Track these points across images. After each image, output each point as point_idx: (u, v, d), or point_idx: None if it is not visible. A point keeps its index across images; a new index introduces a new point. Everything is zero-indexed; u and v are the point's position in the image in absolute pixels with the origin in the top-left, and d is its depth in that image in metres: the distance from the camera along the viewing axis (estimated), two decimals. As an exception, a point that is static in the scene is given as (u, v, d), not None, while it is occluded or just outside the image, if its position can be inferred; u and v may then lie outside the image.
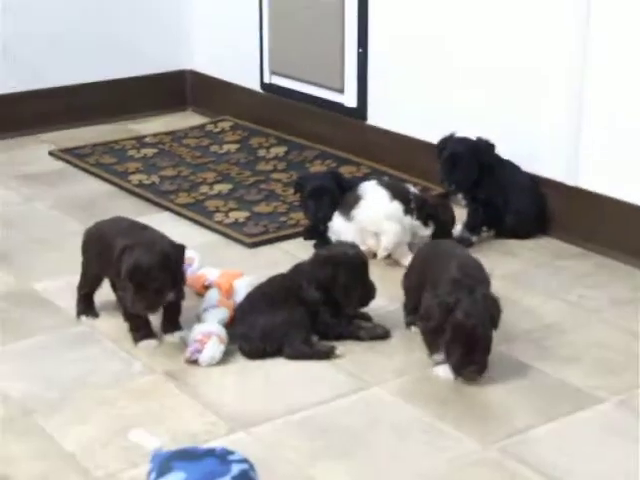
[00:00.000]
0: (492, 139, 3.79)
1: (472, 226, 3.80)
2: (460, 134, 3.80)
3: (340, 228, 3.62)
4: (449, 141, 3.80)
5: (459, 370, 2.84)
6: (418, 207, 3.61)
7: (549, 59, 3.79)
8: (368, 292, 3.12)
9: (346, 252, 3.13)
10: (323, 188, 3.74)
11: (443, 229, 3.64)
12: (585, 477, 2.47)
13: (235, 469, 2.14)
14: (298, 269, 3.14)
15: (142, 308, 2.98)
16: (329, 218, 3.67)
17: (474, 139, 3.78)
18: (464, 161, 3.75)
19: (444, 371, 2.89)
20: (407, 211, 3.60)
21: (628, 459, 2.54)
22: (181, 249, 3.06)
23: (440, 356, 2.91)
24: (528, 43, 3.86)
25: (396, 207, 3.59)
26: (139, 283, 2.93)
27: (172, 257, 3.00)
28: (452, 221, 3.69)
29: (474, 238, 3.79)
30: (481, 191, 3.80)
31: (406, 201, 3.61)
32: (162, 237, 3.08)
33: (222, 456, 2.18)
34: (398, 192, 3.62)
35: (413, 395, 2.83)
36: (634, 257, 3.59)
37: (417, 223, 3.62)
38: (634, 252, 3.60)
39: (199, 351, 2.96)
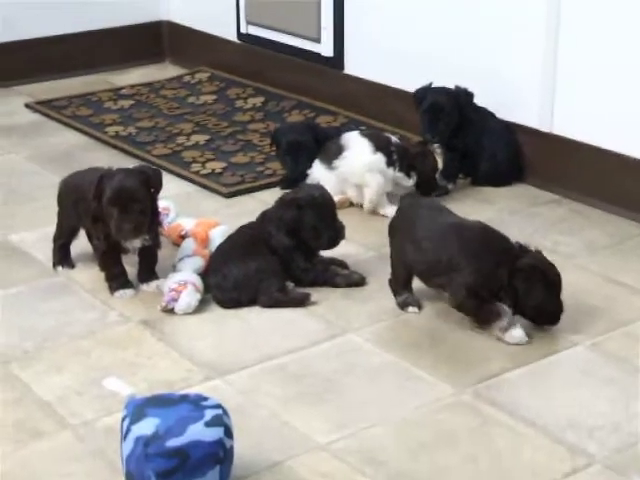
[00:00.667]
0: (468, 87, 3.77)
1: (448, 174, 3.79)
2: (437, 83, 3.78)
3: (321, 177, 3.59)
4: (428, 91, 3.77)
5: (555, 322, 2.84)
6: (399, 158, 3.59)
7: (525, 6, 3.76)
8: (337, 232, 3.10)
9: (311, 193, 3.11)
10: (300, 143, 3.74)
11: (425, 179, 3.62)
12: (557, 419, 2.48)
13: (209, 414, 2.14)
14: (266, 216, 3.13)
15: (129, 231, 2.93)
16: (306, 171, 3.66)
17: (453, 88, 3.76)
18: (445, 111, 3.73)
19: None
20: (390, 163, 3.58)
21: (600, 401, 2.56)
22: (159, 173, 3.05)
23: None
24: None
25: (379, 159, 3.57)
26: (124, 206, 2.90)
27: (152, 179, 2.99)
28: (434, 170, 3.67)
29: (450, 186, 3.79)
30: (458, 140, 3.78)
31: (388, 152, 3.58)
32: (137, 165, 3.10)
33: (196, 402, 2.18)
34: (381, 143, 3.60)
35: (388, 341, 2.84)
36: (608, 203, 3.60)
37: (400, 174, 3.60)
38: (608, 198, 3.60)
39: (175, 300, 2.95)
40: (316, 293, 3.04)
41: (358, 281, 3.12)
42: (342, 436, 2.43)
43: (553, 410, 2.52)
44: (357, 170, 3.57)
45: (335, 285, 3.10)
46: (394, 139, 3.66)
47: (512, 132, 3.85)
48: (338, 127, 4.22)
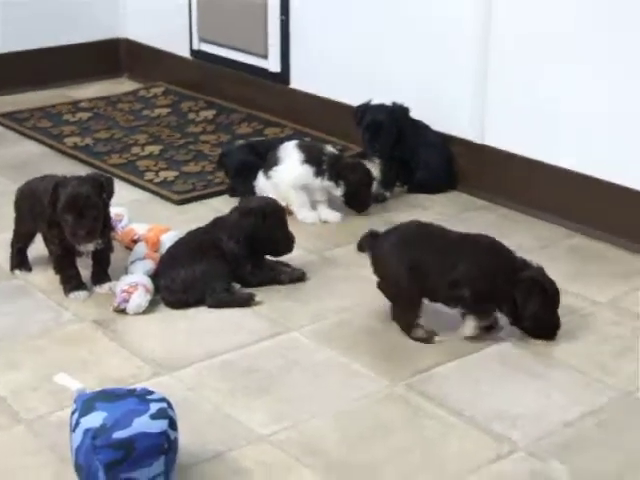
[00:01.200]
0: (406, 101, 3.79)
1: (386, 183, 3.81)
2: (376, 100, 3.80)
3: (263, 186, 3.61)
4: (367, 108, 3.79)
5: (551, 337, 2.82)
6: (329, 167, 3.59)
7: (456, 24, 3.80)
8: (290, 240, 3.13)
9: (267, 203, 3.15)
10: (246, 162, 3.73)
11: (352, 190, 3.60)
12: (484, 410, 2.50)
13: (153, 407, 2.14)
14: (217, 222, 3.13)
15: (83, 235, 2.92)
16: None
17: (390, 105, 3.78)
18: (384, 128, 3.75)
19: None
20: (318, 173, 3.57)
21: (524, 393, 2.59)
22: (111, 180, 3.04)
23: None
24: (436, 9, 3.86)
25: (305, 171, 3.56)
26: (78, 212, 2.89)
27: (105, 186, 2.98)
28: (362, 181, 3.62)
29: (388, 194, 3.81)
30: (395, 151, 3.80)
31: (318, 162, 3.57)
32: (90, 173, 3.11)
33: (141, 396, 2.17)
34: (311, 154, 3.58)
35: (329, 339, 2.84)
36: (535, 209, 3.64)
37: (329, 183, 3.60)
38: (535, 204, 3.64)
39: (126, 301, 2.94)
40: (261, 293, 3.04)
41: (300, 276, 3.15)
42: (283, 427, 2.43)
43: (480, 401, 2.54)
44: (282, 186, 3.57)
45: (279, 282, 3.11)
46: (329, 148, 3.65)
47: (446, 143, 3.87)
48: (281, 139, 4.20)
